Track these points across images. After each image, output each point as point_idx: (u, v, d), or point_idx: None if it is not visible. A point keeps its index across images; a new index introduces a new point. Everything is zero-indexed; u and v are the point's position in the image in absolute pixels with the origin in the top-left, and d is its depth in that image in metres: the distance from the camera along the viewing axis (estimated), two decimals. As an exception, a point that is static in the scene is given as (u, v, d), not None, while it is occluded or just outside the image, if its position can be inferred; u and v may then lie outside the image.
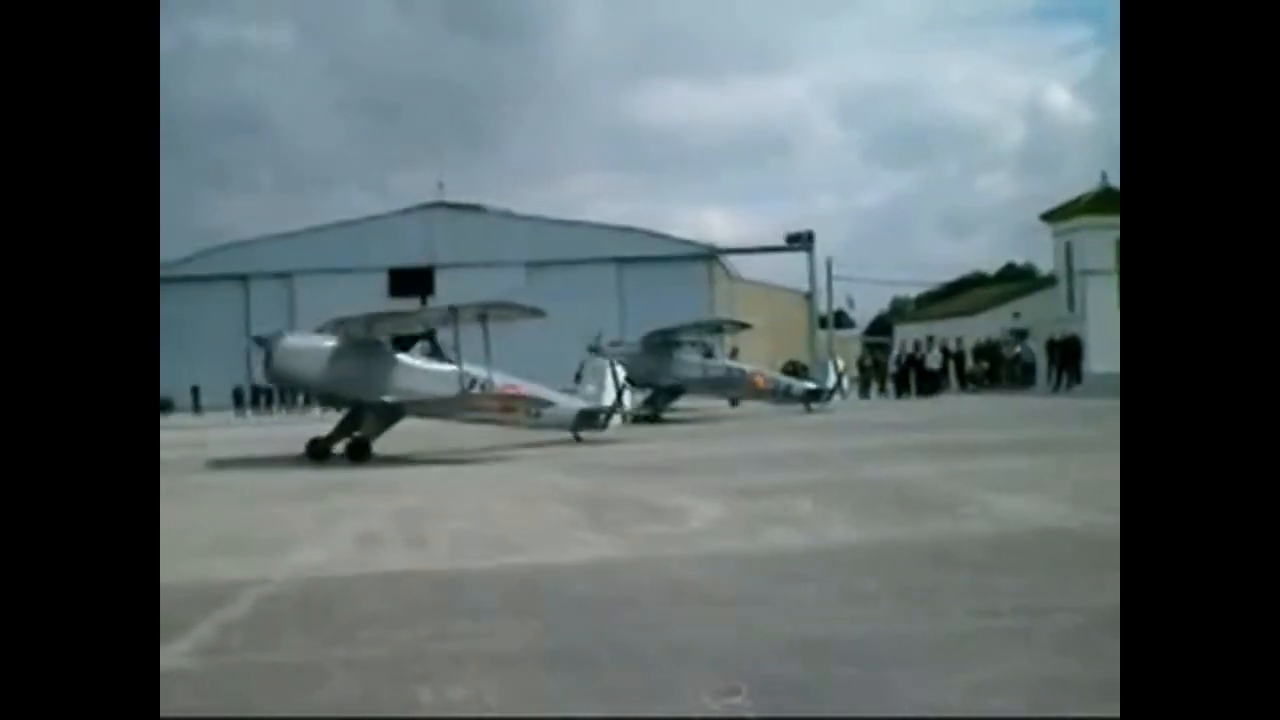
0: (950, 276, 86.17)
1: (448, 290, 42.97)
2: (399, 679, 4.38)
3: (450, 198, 53.81)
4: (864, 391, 37.17)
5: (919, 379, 35.13)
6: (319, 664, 4.66)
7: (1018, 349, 39.33)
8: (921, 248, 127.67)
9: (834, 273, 52.11)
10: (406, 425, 17.16)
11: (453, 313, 16.69)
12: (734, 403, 29.35)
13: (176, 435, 23.14)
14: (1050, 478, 10.64)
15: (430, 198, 53.62)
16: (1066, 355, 34.39)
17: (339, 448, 16.30)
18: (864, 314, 70.10)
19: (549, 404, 17.53)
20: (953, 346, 39.51)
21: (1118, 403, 4.34)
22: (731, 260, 55.79)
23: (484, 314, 16.70)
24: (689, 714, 3.86)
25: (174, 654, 4.78)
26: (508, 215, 53.54)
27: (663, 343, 25.80)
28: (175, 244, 50.93)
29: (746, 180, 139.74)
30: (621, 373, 19.64)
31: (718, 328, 29.30)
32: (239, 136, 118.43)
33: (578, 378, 21.70)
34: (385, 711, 4.05)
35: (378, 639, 5.06)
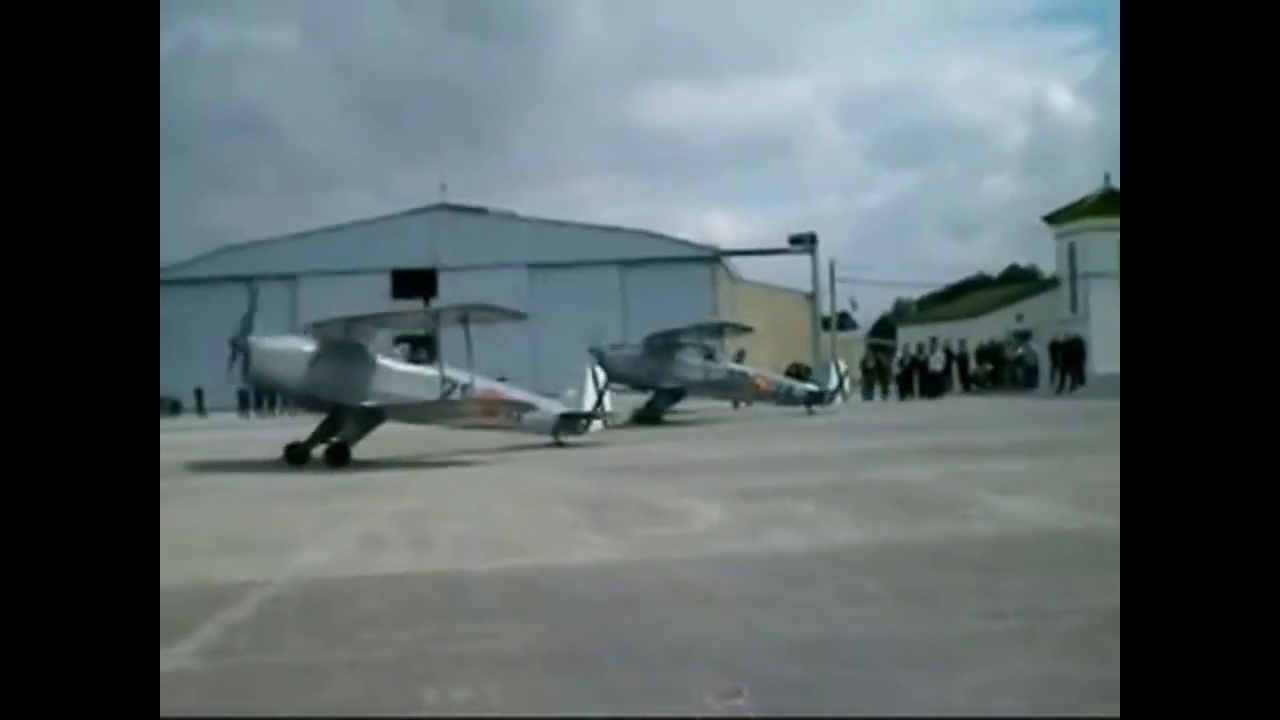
0: (953, 278, 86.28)
1: (450, 292, 43.02)
2: (402, 680, 4.39)
3: (453, 199, 53.86)
4: (867, 393, 37.13)
5: (922, 381, 35.10)
6: (322, 665, 4.67)
7: (1020, 351, 39.34)
8: (924, 249, 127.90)
9: (837, 274, 52.32)
10: (402, 428, 17.07)
11: (434, 316, 16.57)
12: (736, 405, 29.43)
13: (165, 438, 23.13)
14: (1052, 479, 10.62)
15: (433, 199, 53.67)
16: (1069, 357, 34.39)
17: (318, 452, 15.92)
18: (867, 316, 70.39)
19: (530, 407, 17.41)
20: (956, 348, 39.44)
21: (1119, 404, 4.34)
22: (734, 262, 55.83)
23: (465, 316, 16.52)
24: (691, 714, 3.86)
25: (179, 655, 4.78)
26: (511, 217, 53.53)
27: (665, 345, 25.78)
28: (178, 245, 51.22)
29: (749, 182, 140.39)
30: (602, 376, 19.43)
31: (719, 330, 29.30)
32: (241, 138, 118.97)
33: None
34: (388, 712, 4.05)
35: (380, 640, 5.07)
